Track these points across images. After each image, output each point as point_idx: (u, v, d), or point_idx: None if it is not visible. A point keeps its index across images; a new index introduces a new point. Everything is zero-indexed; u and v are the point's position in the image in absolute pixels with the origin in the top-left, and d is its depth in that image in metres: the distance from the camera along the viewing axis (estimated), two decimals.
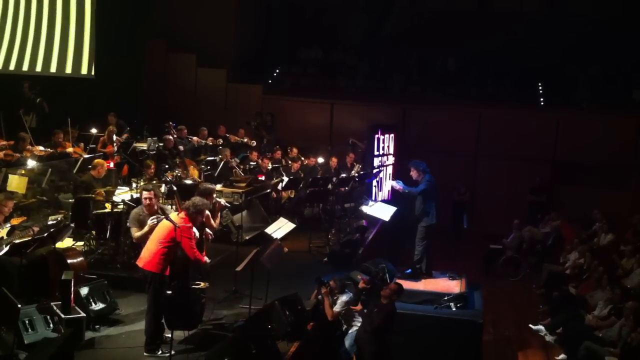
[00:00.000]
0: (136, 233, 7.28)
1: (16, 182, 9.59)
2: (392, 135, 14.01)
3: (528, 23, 18.09)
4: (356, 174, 12.37)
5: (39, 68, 14.59)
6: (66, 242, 8.91)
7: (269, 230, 8.91)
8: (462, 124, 16.46)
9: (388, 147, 13.85)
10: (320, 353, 8.11)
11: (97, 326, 7.18)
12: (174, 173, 10.78)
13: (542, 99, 17.26)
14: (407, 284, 8.96)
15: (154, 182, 9.98)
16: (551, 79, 17.42)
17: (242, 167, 12.59)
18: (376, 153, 13.38)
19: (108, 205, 8.99)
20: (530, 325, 10.86)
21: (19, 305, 6.11)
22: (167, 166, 11.40)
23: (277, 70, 19.04)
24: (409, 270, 10.42)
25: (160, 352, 6.66)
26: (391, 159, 14.06)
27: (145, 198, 7.36)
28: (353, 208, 12.21)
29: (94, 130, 12.96)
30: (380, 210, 11.31)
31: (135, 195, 8.99)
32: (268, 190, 11.72)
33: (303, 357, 7.13)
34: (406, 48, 18.69)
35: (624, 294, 9.81)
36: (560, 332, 10.16)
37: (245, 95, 17.36)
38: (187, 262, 6.90)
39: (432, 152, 14.82)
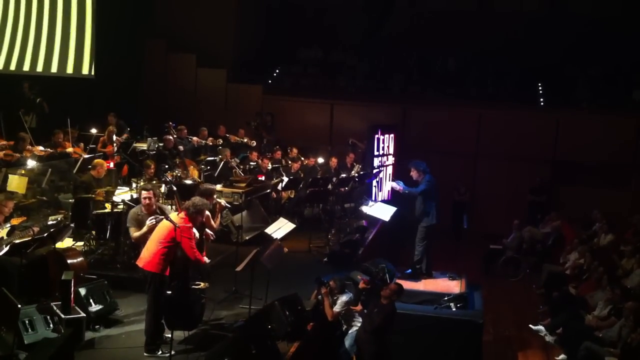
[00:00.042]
0: (135, 233, 7.26)
1: (16, 182, 9.59)
2: (392, 135, 14.01)
3: (528, 23, 18.09)
4: (356, 174, 12.37)
5: (40, 68, 14.59)
6: (66, 242, 8.91)
7: (269, 230, 8.91)
8: (462, 124, 16.46)
9: (388, 147, 13.85)
10: (320, 353, 8.11)
11: (97, 326, 7.17)
12: (174, 173, 10.78)
13: (542, 99, 17.26)
14: (407, 284, 8.96)
15: (154, 182, 9.98)
16: (551, 79, 17.42)
17: (242, 167, 12.59)
18: (376, 153, 13.37)
19: (108, 206, 8.99)
20: (530, 326, 10.86)
21: (19, 305, 6.10)
22: (167, 166, 11.40)
23: (277, 70, 19.04)
24: (409, 271, 10.42)
25: (160, 352, 6.65)
26: (391, 159, 14.05)
27: (145, 198, 7.35)
28: (353, 208, 12.21)
29: (94, 131, 12.95)
30: (380, 210, 11.31)
31: (135, 196, 8.99)
32: (268, 191, 11.72)
33: (303, 357, 7.13)
34: (406, 48, 18.69)
35: (624, 294, 9.81)
36: (560, 333, 10.16)
37: (245, 96, 17.36)
38: (187, 262, 6.90)
39: (432, 152, 14.82)
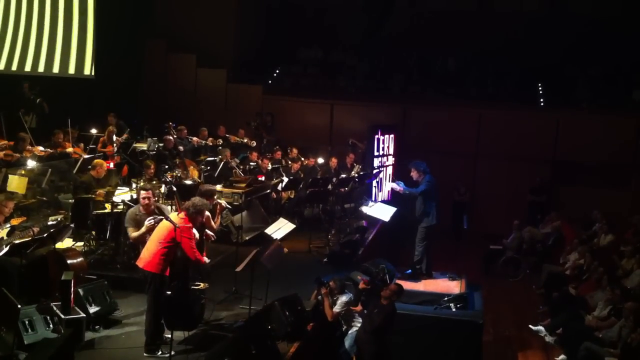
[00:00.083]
0: (133, 233, 7.25)
1: (16, 183, 9.60)
2: (392, 135, 14.01)
3: (528, 23, 18.09)
4: (356, 175, 12.38)
5: (41, 69, 14.58)
6: (66, 243, 8.90)
7: (268, 230, 8.91)
8: (462, 124, 16.46)
9: (388, 147, 13.85)
10: (320, 353, 8.11)
11: (97, 326, 7.17)
12: (174, 173, 10.79)
13: (542, 99, 17.26)
14: (407, 285, 8.96)
15: (154, 182, 9.99)
16: (551, 79, 17.42)
17: (242, 167, 12.59)
18: (376, 153, 13.37)
19: (108, 206, 8.99)
20: (530, 326, 10.85)
21: (19, 306, 6.10)
22: (167, 166, 11.40)
23: (277, 71, 19.04)
24: (409, 271, 10.42)
25: (160, 352, 6.65)
26: (391, 160, 14.05)
27: (143, 198, 7.35)
28: (353, 208, 12.21)
29: (94, 131, 12.96)
30: (380, 210, 11.31)
31: (135, 196, 8.99)
32: (268, 191, 11.72)
33: (303, 358, 7.13)
34: (406, 48, 18.69)
35: (624, 295, 9.81)
36: (560, 333, 10.16)
37: (245, 96, 17.36)
38: (187, 263, 6.90)
39: (432, 152, 14.83)
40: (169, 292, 6.68)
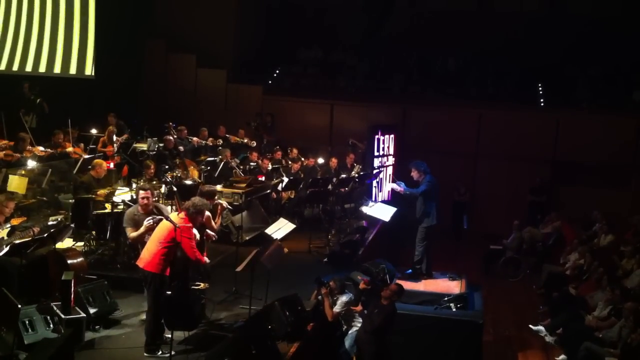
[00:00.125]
0: (131, 233, 7.23)
1: (16, 183, 9.60)
2: (392, 135, 14.00)
3: (528, 23, 18.09)
4: (356, 175, 12.37)
5: (42, 69, 14.57)
6: (66, 243, 8.91)
7: (269, 230, 8.91)
8: (462, 124, 16.46)
9: (388, 147, 13.84)
10: (320, 353, 8.11)
11: (97, 326, 7.17)
12: (174, 173, 10.79)
13: (542, 99, 17.26)
14: (408, 285, 8.96)
15: (154, 182, 9.99)
16: (551, 79, 17.42)
17: (242, 167, 12.59)
18: (376, 153, 13.36)
19: (108, 206, 8.99)
20: (530, 326, 10.86)
21: (19, 306, 6.10)
22: (167, 167, 11.40)
23: (277, 71, 19.04)
24: (409, 271, 10.42)
25: (160, 352, 6.65)
26: (391, 160, 14.05)
27: (142, 197, 7.33)
28: (353, 209, 12.21)
29: (94, 131, 12.97)
30: (380, 210, 11.31)
31: (135, 196, 8.98)
32: (268, 191, 11.72)
33: (303, 358, 7.13)
34: (406, 48, 18.69)
35: (624, 295, 9.81)
36: (560, 333, 10.16)
37: (245, 96, 17.36)
38: (187, 263, 6.90)
39: (432, 152, 14.83)
40: (169, 292, 6.68)
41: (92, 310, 7.14)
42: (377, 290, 7.95)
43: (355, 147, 14.40)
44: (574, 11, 17.97)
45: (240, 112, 16.66)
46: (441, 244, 12.36)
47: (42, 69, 14.56)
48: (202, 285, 7.26)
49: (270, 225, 9.16)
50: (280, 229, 8.95)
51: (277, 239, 8.59)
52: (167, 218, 6.73)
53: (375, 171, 13.13)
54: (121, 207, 8.85)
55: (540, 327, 10.69)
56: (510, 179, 16.20)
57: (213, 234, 7.55)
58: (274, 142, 15.44)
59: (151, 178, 10.32)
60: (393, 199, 12.82)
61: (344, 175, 12.45)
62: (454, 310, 9.08)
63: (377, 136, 13.36)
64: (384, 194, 13.62)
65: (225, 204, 8.59)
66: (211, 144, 14.01)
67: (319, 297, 7.93)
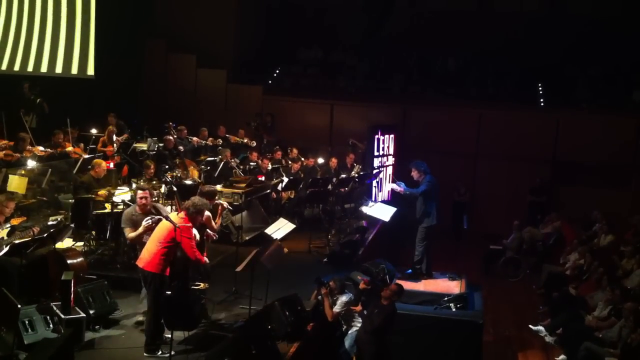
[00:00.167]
0: (130, 234, 7.22)
1: (16, 183, 9.60)
2: (392, 135, 14.00)
3: (528, 23, 18.10)
4: (356, 175, 12.37)
5: (44, 69, 14.54)
6: (66, 243, 8.91)
7: (268, 230, 8.91)
8: (462, 124, 16.46)
9: (388, 147, 13.84)
10: (320, 353, 8.11)
11: (97, 326, 7.17)
12: (174, 173, 10.79)
13: (542, 99, 17.26)
14: (408, 285, 8.97)
15: (154, 182, 9.99)
16: (551, 79, 17.43)
17: (242, 167, 12.59)
18: (376, 153, 13.36)
19: (108, 206, 8.99)
20: (530, 326, 10.86)
21: (19, 306, 6.10)
22: (167, 167, 11.40)
23: (277, 71, 19.04)
24: (409, 271, 10.42)
25: (160, 352, 6.65)
26: (391, 160, 14.05)
27: (141, 197, 7.32)
28: (353, 209, 12.21)
29: (94, 131, 12.97)
30: (380, 210, 11.31)
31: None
32: (268, 191, 11.72)
33: (303, 358, 7.13)
34: (406, 48, 18.69)
35: (624, 295, 9.81)
36: (560, 333, 10.16)
37: (245, 96, 17.36)
38: (187, 263, 6.90)
39: (432, 152, 14.83)
40: (169, 292, 6.68)
41: (92, 311, 7.15)
42: (377, 290, 7.95)
43: (355, 147, 14.40)
44: (574, 11, 17.98)
45: (240, 112, 16.66)
46: (441, 244, 12.36)
47: (44, 69, 14.52)
48: (202, 285, 7.25)
49: (270, 225, 9.16)
50: (280, 229, 8.95)
51: (277, 239, 8.59)
52: (167, 218, 6.72)
53: (375, 171, 13.13)
54: (121, 207, 8.84)
55: (540, 327, 10.69)
56: (510, 179, 16.20)
57: (213, 234, 7.55)
58: (274, 142, 15.44)
59: (151, 178, 10.32)
60: (393, 199, 12.82)
61: (344, 175, 12.45)
62: (454, 310, 9.08)
63: (377, 136, 13.36)
64: (384, 194, 13.62)
65: (225, 204, 8.59)
66: (211, 144, 14.01)
67: (319, 297, 7.93)
